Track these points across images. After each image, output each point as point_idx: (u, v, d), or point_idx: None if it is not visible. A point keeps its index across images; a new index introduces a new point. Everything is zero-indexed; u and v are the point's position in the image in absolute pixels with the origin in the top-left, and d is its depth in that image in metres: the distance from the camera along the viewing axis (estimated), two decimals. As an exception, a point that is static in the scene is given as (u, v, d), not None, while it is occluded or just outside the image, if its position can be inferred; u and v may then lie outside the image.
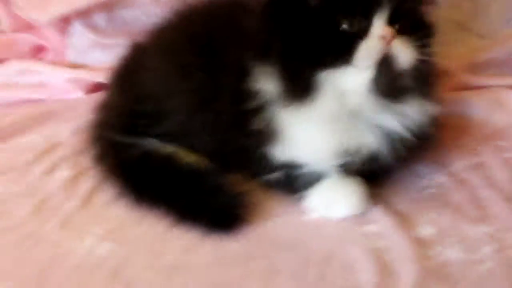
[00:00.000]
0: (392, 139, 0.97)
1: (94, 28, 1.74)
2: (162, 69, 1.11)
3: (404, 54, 0.89)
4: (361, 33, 0.88)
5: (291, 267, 0.87)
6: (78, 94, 1.65)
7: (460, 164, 1.14)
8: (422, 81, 0.95)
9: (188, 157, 1.09)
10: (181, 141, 1.11)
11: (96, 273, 0.88)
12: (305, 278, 0.84)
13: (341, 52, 0.88)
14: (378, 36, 0.87)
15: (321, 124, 0.94)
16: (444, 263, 0.86)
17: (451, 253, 0.88)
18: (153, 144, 1.12)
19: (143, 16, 1.71)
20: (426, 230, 0.94)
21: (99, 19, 1.75)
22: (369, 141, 0.96)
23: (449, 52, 1.52)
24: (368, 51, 0.88)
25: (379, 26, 0.88)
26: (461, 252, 0.88)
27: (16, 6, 1.74)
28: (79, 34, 1.75)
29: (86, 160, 1.20)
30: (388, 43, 0.87)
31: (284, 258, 0.89)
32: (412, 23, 0.93)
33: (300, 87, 0.91)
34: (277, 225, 0.97)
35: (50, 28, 1.77)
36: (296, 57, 0.91)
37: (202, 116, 1.06)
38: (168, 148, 1.11)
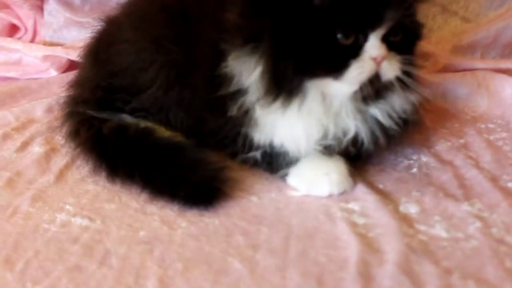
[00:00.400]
0: (373, 126, 0.96)
1: (69, 6, 1.74)
2: (135, 41, 1.09)
3: (391, 70, 0.89)
4: (355, 48, 0.86)
5: (272, 243, 0.84)
6: (53, 73, 1.64)
7: (444, 145, 1.14)
8: (404, 78, 0.92)
9: (164, 133, 1.08)
10: (156, 116, 1.09)
11: (71, 246, 0.85)
12: (286, 254, 0.82)
13: (332, 68, 0.87)
14: (370, 57, 0.86)
15: (302, 118, 0.92)
16: (429, 241, 0.84)
17: (436, 231, 0.86)
18: (128, 119, 1.10)
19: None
20: (409, 209, 0.92)
21: (75, -4, 1.73)
22: (350, 127, 0.95)
23: (434, 35, 1.53)
24: (358, 72, 0.86)
25: (373, 46, 0.86)
26: (446, 231, 0.86)
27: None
28: (55, 12, 1.74)
29: (60, 137, 1.20)
30: (379, 64, 0.86)
31: (265, 234, 0.86)
32: (405, 34, 0.92)
33: (285, 92, 0.89)
34: (258, 201, 0.95)
35: (24, 7, 1.76)
36: (286, 60, 0.87)
37: (177, 92, 1.05)
38: (143, 123, 1.09)
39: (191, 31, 1.03)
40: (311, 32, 0.85)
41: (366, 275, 0.76)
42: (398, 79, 0.91)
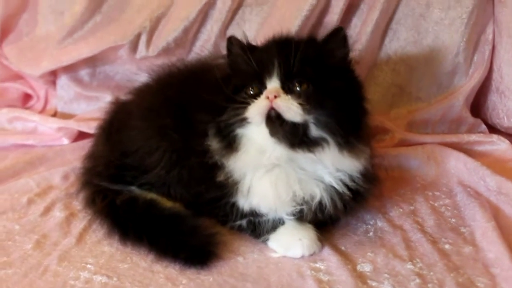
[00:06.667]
0: (332, 193, 1.15)
1: (79, 82, 1.93)
2: (144, 129, 1.30)
3: (288, 109, 1.06)
4: (258, 95, 1.10)
5: (255, 297, 1.04)
6: (65, 141, 1.81)
7: (397, 211, 1.35)
8: (339, 134, 1.09)
9: (167, 203, 1.28)
10: (160, 190, 1.29)
11: (94, 300, 1.04)
12: (266, 305, 1.02)
13: (241, 112, 1.10)
14: (264, 96, 1.08)
15: (271, 182, 1.14)
16: (378, 295, 1.04)
17: (384, 287, 1.06)
18: (136, 191, 1.30)
19: (122, 72, 1.91)
20: (364, 267, 1.12)
21: (84, 73, 1.93)
22: (314, 193, 1.14)
23: (392, 112, 1.74)
24: (254, 108, 1.09)
25: (267, 89, 1.09)
26: (392, 286, 1.06)
27: (8, 61, 1.92)
28: (66, 87, 1.93)
29: (77, 203, 1.38)
30: (271, 101, 1.06)
31: (249, 289, 1.06)
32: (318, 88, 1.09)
33: (225, 140, 1.14)
34: (243, 261, 1.15)
35: (38, 80, 1.95)
36: (220, 119, 1.13)
37: (177, 172, 1.26)
38: (149, 195, 1.29)
39: (187, 119, 1.24)
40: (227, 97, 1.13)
41: (327, 323, 0.97)
42: (330, 139, 1.09)
